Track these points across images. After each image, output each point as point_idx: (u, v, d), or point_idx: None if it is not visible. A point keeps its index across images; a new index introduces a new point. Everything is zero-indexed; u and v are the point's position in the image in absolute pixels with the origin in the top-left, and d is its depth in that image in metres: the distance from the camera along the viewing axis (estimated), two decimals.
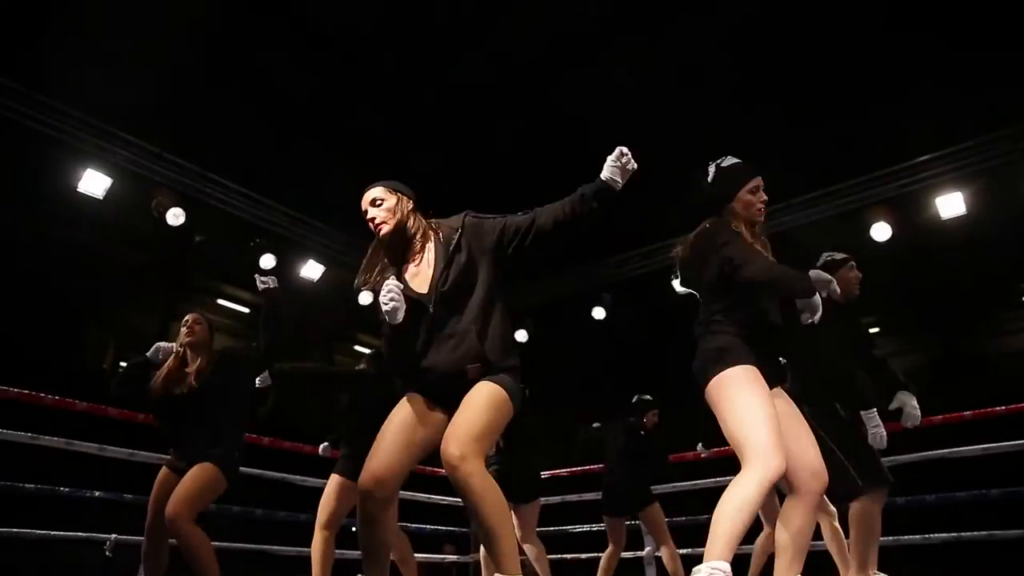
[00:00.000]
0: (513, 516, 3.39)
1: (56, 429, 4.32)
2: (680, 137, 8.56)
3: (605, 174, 2.20)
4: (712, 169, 2.46)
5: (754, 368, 2.17)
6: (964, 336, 10.56)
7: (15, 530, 3.97)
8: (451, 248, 2.22)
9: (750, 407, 2.10)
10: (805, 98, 8.23)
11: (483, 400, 2.07)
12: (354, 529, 4.58)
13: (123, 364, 9.99)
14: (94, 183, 7.33)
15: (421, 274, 2.25)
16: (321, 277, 8.55)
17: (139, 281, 9.91)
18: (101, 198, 7.39)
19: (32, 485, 4.13)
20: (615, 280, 9.52)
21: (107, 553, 4.07)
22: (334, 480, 3.84)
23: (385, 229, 2.28)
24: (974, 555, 5.60)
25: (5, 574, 7.16)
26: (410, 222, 2.31)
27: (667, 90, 8.18)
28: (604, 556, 4.87)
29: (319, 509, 3.81)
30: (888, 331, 10.54)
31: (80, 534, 4.18)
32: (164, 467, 3.38)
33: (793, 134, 8.43)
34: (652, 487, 4.88)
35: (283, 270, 8.24)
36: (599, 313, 9.44)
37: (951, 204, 7.42)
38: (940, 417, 4.55)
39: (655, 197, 8.82)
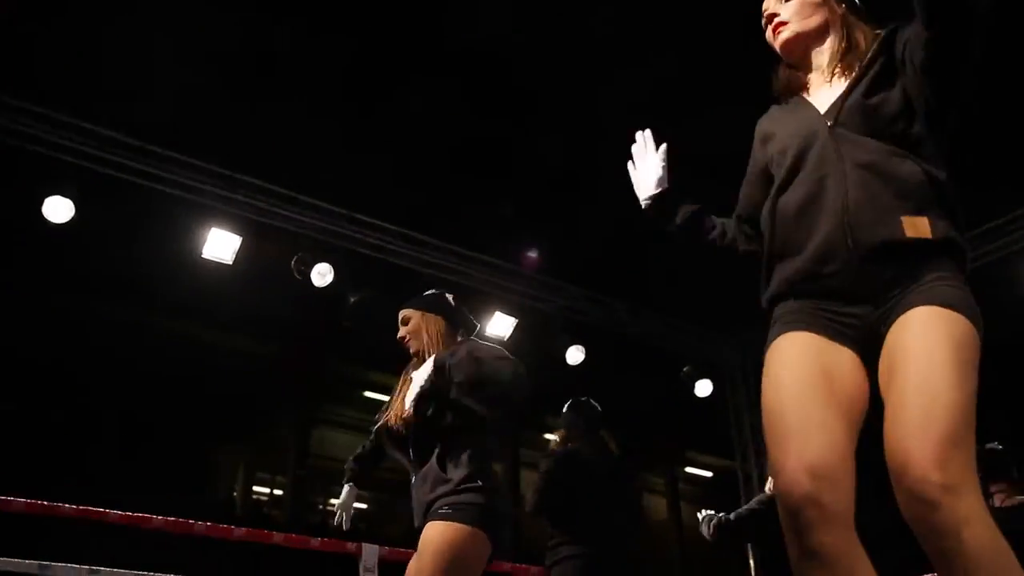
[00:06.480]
0: None
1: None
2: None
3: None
4: None
5: None
6: None
7: None
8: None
9: None
10: None
11: (942, 352, 1.10)
12: None
13: (256, 489, 8.32)
14: (220, 245, 5.73)
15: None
16: (513, 331, 6.39)
17: (274, 373, 8.25)
18: (230, 263, 5.77)
19: None
20: None
21: None
22: None
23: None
24: None
25: None
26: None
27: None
28: None
29: None
30: None
31: None
32: None
33: None
34: None
35: None
36: None
37: None
38: None
39: None
